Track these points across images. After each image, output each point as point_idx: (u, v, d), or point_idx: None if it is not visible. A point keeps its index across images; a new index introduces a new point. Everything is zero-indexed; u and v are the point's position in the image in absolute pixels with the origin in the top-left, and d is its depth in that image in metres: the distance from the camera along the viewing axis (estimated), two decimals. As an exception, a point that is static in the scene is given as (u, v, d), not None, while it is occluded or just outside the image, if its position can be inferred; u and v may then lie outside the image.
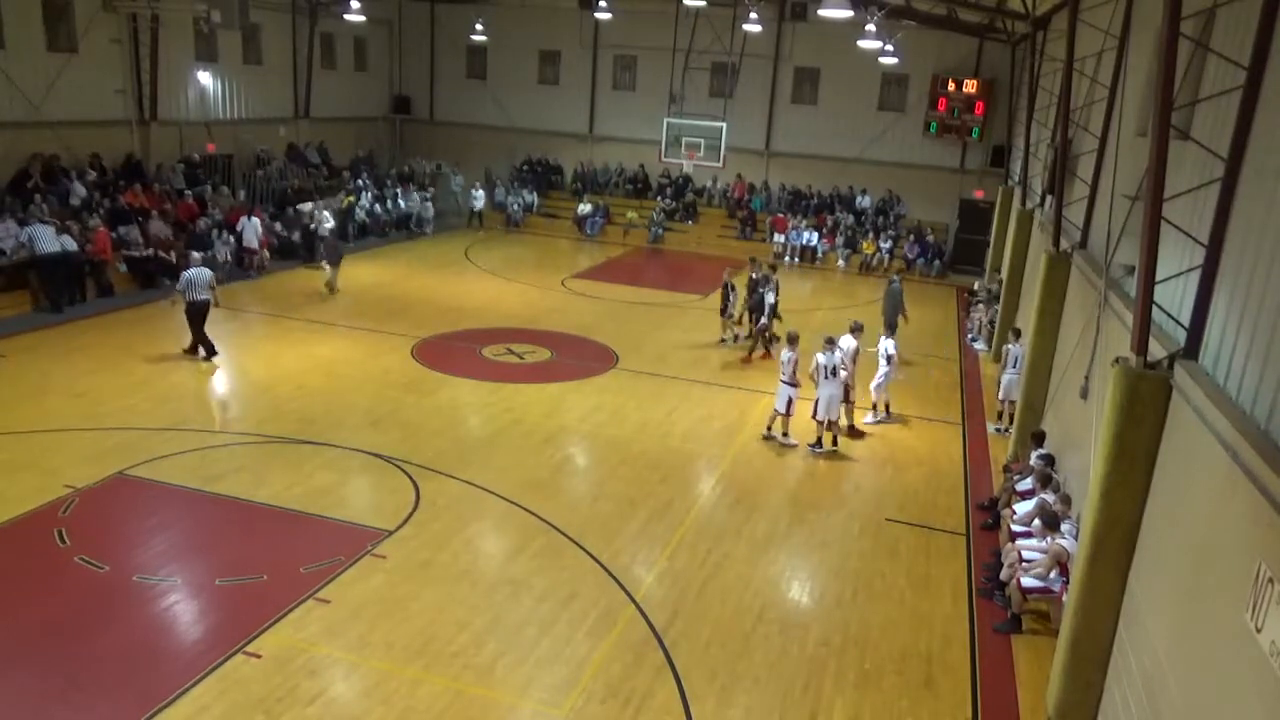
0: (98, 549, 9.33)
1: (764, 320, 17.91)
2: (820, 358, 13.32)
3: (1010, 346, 14.92)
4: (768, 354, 17.77)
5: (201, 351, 15.45)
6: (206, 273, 15.53)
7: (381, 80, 33.46)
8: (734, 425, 14.33)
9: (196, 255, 16.52)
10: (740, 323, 19.10)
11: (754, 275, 18.57)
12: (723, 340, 18.90)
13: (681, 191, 31.28)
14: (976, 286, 24.54)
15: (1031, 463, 11.32)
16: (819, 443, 13.56)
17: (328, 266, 20.87)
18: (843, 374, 13.58)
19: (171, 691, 7.33)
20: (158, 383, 14.25)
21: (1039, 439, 11.83)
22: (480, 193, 30.62)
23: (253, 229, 21.67)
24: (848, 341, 14.41)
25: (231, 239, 21.58)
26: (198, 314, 15.29)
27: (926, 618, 9.36)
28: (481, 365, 16.41)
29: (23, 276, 17.33)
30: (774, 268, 19.62)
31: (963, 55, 28.14)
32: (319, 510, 10.56)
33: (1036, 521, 9.72)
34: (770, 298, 17.95)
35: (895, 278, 20.43)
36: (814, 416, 13.46)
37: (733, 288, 18.64)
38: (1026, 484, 11.04)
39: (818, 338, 14.35)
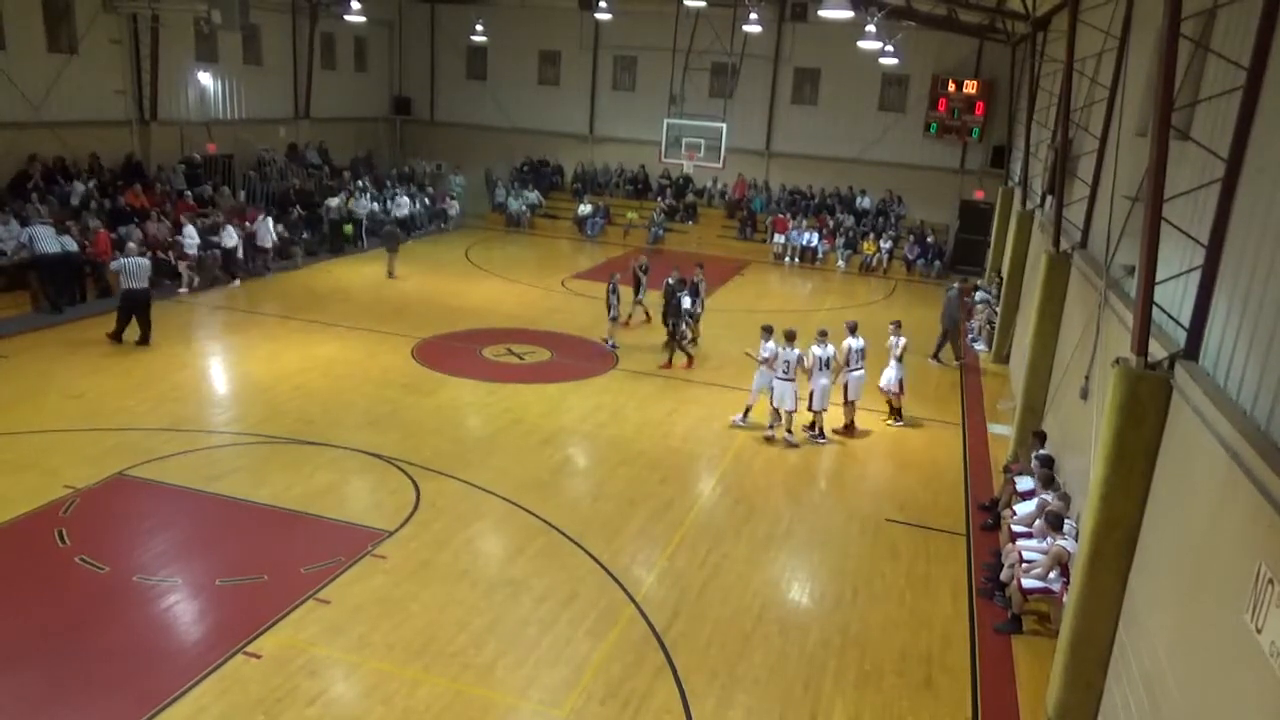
0: (98, 549, 9.33)
1: (682, 327, 17.02)
2: (815, 350, 13.63)
3: (893, 339, 14.87)
4: (690, 362, 17.02)
5: (139, 335, 15.71)
6: (145, 263, 15.78)
7: (381, 80, 33.47)
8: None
9: (133, 245, 16.54)
10: (628, 325, 18.42)
11: (669, 280, 17.14)
12: (606, 340, 17.72)
13: (682, 192, 31.28)
14: (977, 286, 24.54)
15: (1030, 463, 11.32)
16: (818, 429, 13.95)
17: (387, 254, 22.53)
18: (844, 367, 13.90)
19: (172, 692, 7.33)
20: (157, 383, 14.24)
21: (1040, 439, 11.84)
22: (404, 199, 28.23)
23: (266, 228, 21.69)
24: (894, 342, 14.64)
25: (239, 232, 21.34)
26: (134, 303, 15.52)
27: (926, 618, 9.36)
28: (481, 365, 16.41)
29: (23, 276, 17.34)
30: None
31: (963, 56, 28.15)
32: (319, 510, 10.57)
33: (1039, 522, 9.72)
34: (687, 302, 17.10)
35: (952, 285, 19.77)
36: (810, 408, 13.81)
37: (614, 289, 17.38)
38: (1026, 484, 11.05)
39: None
